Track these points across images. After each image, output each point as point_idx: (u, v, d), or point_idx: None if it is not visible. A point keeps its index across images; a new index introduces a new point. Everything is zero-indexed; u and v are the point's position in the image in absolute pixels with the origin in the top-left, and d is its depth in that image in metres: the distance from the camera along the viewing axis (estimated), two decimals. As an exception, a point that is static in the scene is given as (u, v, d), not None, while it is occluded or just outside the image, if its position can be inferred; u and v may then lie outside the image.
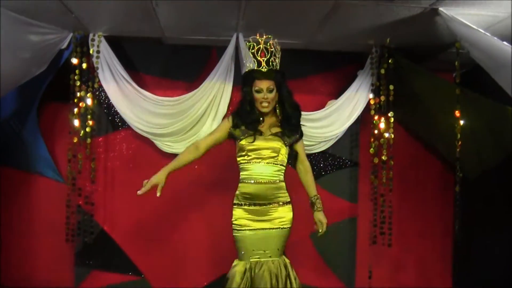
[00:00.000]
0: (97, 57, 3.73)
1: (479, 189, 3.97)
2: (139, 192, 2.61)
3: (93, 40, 3.73)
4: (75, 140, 3.78)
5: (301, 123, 2.89)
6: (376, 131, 3.96)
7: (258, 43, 2.69)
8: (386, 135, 3.93)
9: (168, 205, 3.98)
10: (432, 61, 3.99)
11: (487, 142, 3.67)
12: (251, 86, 2.74)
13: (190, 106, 3.80)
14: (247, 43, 2.75)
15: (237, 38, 3.69)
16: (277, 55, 2.72)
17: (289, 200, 2.80)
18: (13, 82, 3.50)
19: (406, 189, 4.28)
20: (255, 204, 2.74)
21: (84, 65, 3.75)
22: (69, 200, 3.82)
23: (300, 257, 3.78)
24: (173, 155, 3.62)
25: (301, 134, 2.88)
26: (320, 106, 4.03)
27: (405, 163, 4.26)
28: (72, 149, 3.80)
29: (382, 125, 3.93)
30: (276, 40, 2.73)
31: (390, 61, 3.85)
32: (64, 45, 3.71)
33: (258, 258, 2.73)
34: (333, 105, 3.97)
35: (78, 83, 3.75)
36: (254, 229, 2.73)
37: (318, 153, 4.10)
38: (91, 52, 3.74)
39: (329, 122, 3.96)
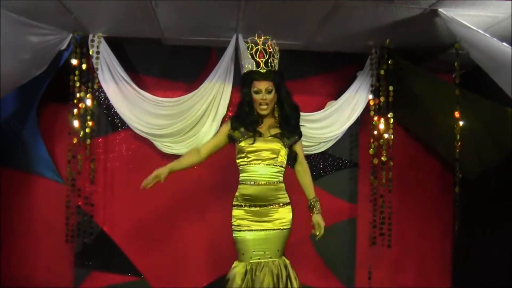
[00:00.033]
0: (97, 58, 3.74)
1: (478, 190, 3.96)
2: (142, 185, 2.66)
3: (92, 41, 3.74)
4: (75, 141, 3.79)
5: (300, 124, 2.88)
6: (375, 132, 3.96)
7: (256, 44, 2.68)
8: (386, 136, 3.93)
9: (168, 205, 3.99)
10: (432, 62, 3.99)
11: (487, 143, 3.67)
12: (250, 87, 2.73)
13: (189, 107, 3.80)
14: (246, 44, 2.74)
15: (237, 39, 3.70)
16: (275, 56, 2.71)
17: (288, 201, 2.79)
18: (13, 83, 3.50)
19: (405, 190, 4.28)
20: (255, 206, 2.74)
21: (84, 66, 3.76)
22: (69, 200, 3.83)
23: (300, 258, 3.77)
24: (173, 156, 3.65)
25: (300, 135, 2.87)
26: (320, 107, 4.03)
27: (405, 164, 4.26)
28: (72, 150, 3.80)
29: (381, 126, 3.93)
30: (274, 41, 2.72)
31: (389, 62, 3.86)
32: (64, 46, 3.72)
33: (258, 259, 2.72)
34: (332, 106, 3.97)
35: (77, 84, 3.76)
36: (254, 230, 2.73)
37: (318, 154, 4.10)
38: (90, 53, 3.74)
39: (328, 123, 3.96)
